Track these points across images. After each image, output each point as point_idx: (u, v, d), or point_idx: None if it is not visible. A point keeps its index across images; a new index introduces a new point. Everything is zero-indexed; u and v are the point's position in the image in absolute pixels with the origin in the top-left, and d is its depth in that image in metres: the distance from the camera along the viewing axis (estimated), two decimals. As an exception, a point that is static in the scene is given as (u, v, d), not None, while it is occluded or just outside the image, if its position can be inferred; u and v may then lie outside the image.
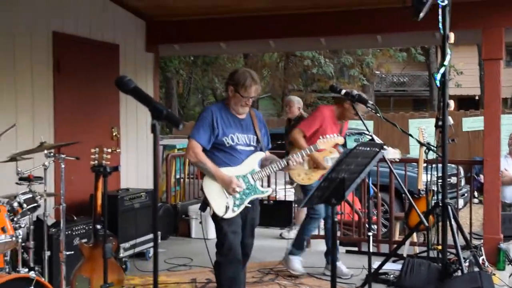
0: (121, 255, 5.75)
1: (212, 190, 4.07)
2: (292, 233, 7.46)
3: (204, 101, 26.36)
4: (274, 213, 7.69)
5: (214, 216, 4.10)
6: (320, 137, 4.31)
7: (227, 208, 4.05)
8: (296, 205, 7.70)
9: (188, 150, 4.11)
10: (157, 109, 2.07)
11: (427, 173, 5.67)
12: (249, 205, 4.15)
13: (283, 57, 20.41)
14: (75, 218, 5.37)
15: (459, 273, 4.21)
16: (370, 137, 4.55)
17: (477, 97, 22.99)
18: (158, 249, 2.04)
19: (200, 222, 7.41)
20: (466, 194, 9.19)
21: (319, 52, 17.72)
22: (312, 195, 2.97)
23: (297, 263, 5.61)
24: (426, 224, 4.44)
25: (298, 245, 5.64)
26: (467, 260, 4.55)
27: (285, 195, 8.09)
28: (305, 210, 7.48)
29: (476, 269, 4.49)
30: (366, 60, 18.71)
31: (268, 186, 7.22)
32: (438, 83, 4.59)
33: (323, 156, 5.29)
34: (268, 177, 7.00)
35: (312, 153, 5.03)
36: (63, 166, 4.18)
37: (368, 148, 3.06)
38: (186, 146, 4.17)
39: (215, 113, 4.14)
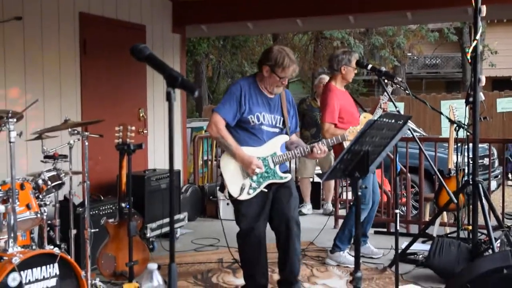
0: (148, 235, 5.77)
1: (229, 169, 3.92)
2: (305, 210, 7.53)
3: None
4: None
5: (230, 197, 3.95)
6: (350, 127, 4.08)
7: (242, 189, 3.89)
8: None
9: (210, 124, 3.94)
10: (172, 76, 2.02)
11: (457, 153, 5.53)
12: (265, 190, 3.96)
13: (313, 40, 20.20)
14: (102, 197, 5.42)
15: (490, 252, 4.09)
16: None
17: (514, 77, 22.42)
18: (174, 226, 2.01)
19: (228, 204, 7.42)
20: (499, 176, 8.96)
21: (349, 33, 17.48)
22: (335, 168, 2.88)
23: (348, 255, 5.26)
24: (455, 201, 4.32)
25: (346, 240, 5.26)
26: (499, 240, 4.42)
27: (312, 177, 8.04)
28: (332, 187, 7.43)
29: (509, 248, 4.36)
30: (397, 41, 18.39)
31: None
32: (469, 57, 4.45)
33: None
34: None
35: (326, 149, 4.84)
36: (86, 143, 4.17)
37: (394, 120, 2.95)
38: (210, 119, 3.99)
39: (243, 88, 3.97)
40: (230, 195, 3.93)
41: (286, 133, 4.12)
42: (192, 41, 16.97)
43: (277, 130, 4.06)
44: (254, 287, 4.13)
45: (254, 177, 3.91)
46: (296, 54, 21.12)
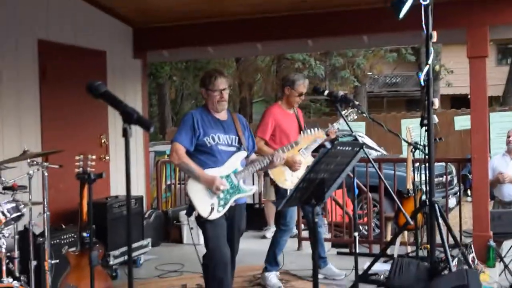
0: (111, 262, 5.72)
1: (197, 192, 4.11)
2: (269, 234, 7.50)
3: (198, 107, 26.34)
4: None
5: (199, 218, 4.12)
6: (301, 132, 4.37)
7: (212, 209, 4.09)
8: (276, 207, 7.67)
9: (171, 153, 4.20)
10: (127, 113, 2.06)
11: (415, 173, 5.67)
12: (233, 204, 4.20)
13: (275, 61, 20.43)
14: (64, 226, 5.36)
15: (447, 271, 4.19)
16: (354, 137, 4.57)
17: (469, 96, 22.97)
18: (132, 257, 2.02)
19: (191, 228, 7.37)
20: (458, 193, 9.15)
21: (310, 55, 17.75)
22: (292, 197, 2.95)
23: (273, 278, 5.40)
24: (411, 222, 4.43)
25: (272, 261, 5.42)
26: (456, 258, 4.53)
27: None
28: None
29: (465, 267, 4.48)
30: (357, 61, 18.74)
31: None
32: (422, 82, 4.58)
33: (298, 150, 5.08)
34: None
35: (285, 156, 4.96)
36: (46, 174, 4.15)
37: (348, 148, 3.05)
38: (170, 149, 4.24)
39: (195, 116, 4.26)
40: (200, 217, 4.09)
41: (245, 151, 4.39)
42: (154, 64, 16.98)
43: (234, 148, 4.31)
44: None
45: (221, 195, 4.12)
46: (259, 75, 21.34)
